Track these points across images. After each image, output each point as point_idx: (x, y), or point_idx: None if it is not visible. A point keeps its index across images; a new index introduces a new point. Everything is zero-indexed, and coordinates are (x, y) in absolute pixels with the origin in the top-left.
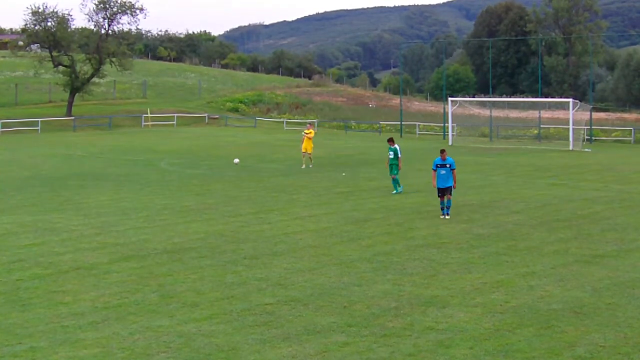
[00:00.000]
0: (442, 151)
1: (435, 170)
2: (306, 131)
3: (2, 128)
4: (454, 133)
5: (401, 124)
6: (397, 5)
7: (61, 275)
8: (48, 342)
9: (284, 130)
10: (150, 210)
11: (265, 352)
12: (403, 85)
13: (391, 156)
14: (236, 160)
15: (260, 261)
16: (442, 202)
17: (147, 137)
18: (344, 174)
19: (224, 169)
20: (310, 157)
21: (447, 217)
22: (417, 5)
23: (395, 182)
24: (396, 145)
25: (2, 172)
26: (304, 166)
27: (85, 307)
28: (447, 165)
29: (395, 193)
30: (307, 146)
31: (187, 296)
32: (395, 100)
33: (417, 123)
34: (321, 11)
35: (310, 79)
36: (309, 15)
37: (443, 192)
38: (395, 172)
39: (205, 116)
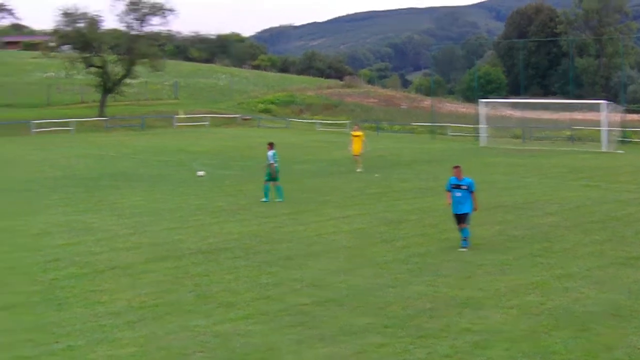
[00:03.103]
0: (456, 167)
1: (449, 192)
2: (354, 132)
3: (35, 128)
4: (486, 134)
5: (433, 125)
6: (427, 6)
7: (97, 275)
8: (85, 341)
9: (316, 131)
10: (183, 210)
11: (301, 352)
12: (434, 86)
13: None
14: (200, 173)
15: (295, 262)
16: (461, 231)
17: (179, 138)
18: (376, 175)
19: (257, 170)
20: (357, 159)
21: (463, 249)
22: (448, 6)
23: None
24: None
25: (36, 172)
26: (358, 169)
27: (121, 306)
28: (464, 187)
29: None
30: (356, 148)
31: (223, 296)
32: (427, 102)
33: (449, 124)
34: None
35: (341, 80)
36: (340, 17)
37: (460, 218)
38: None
39: (237, 117)
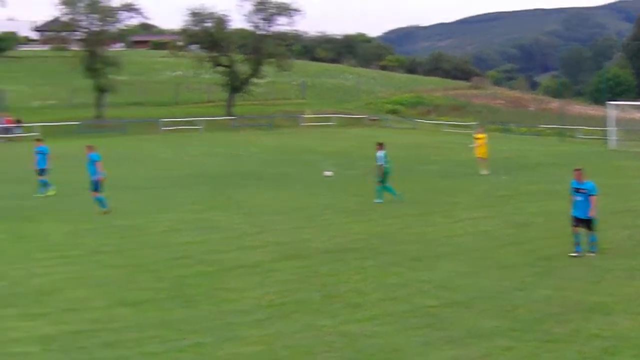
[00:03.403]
0: (577, 170)
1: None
2: (477, 135)
3: (164, 127)
4: (615, 137)
5: (561, 128)
6: (555, 7)
7: (225, 273)
8: (213, 338)
9: (443, 132)
10: (311, 210)
11: (428, 354)
12: (562, 88)
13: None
14: (327, 173)
15: (422, 263)
16: (575, 235)
17: (306, 138)
18: (504, 177)
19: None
20: (481, 162)
21: (591, 255)
22: (576, 7)
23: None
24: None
25: (164, 171)
26: (482, 172)
27: (249, 304)
28: (584, 191)
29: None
30: (480, 151)
31: (350, 296)
32: (554, 104)
33: (577, 127)
34: (479, 13)
35: (468, 81)
36: (467, 17)
37: (579, 222)
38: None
39: (364, 117)
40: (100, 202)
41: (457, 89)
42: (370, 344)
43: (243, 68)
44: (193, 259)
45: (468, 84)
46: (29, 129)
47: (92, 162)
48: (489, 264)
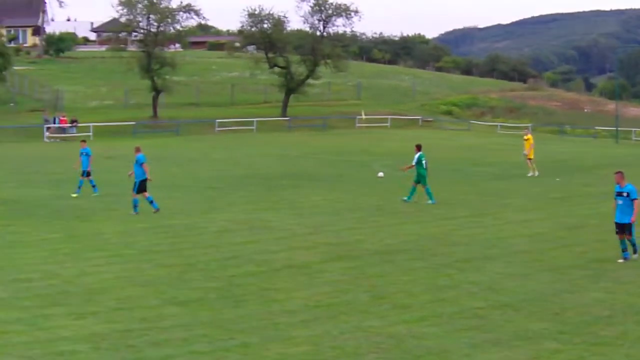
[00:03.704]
0: (617, 173)
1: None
2: (525, 137)
3: (219, 127)
4: None
5: (617, 130)
6: (613, 9)
7: (274, 273)
8: (260, 339)
9: (498, 134)
10: (363, 211)
11: (475, 356)
12: (619, 90)
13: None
14: (380, 174)
15: (472, 265)
16: (621, 242)
17: (360, 139)
18: (557, 179)
19: (437, 172)
20: (529, 164)
21: (634, 257)
22: (635, 9)
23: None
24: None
25: (218, 171)
26: (530, 173)
27: (297, 305)
28: (625, 194)
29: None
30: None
31: (399, 298)
32: (611, 106)
33: (634, 129)
34: (536, 14)
35: (524, 82)
36: (524, 19)
37: (621, 228)
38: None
39: (419, 119)
40: (135, 204)
41: (513, 91)
42: (417, 345)
43: (299, 69)
44: (244, 259)
45: (524, 85)
46: (85, 129)
47: (139, 163)
48: (539, 266)
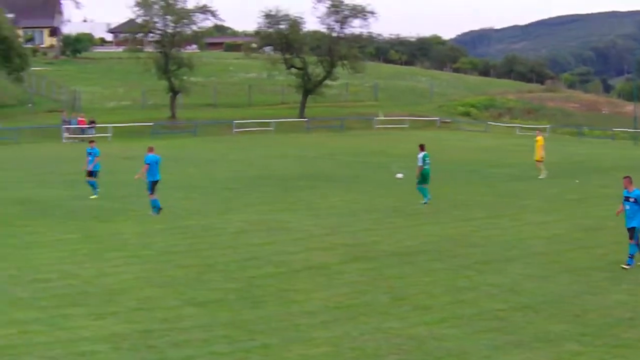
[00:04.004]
0: (625, 178)
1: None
2: (537, 138)
3: (236, 128)
4: None
5: (635, 132)
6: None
7: (293, 274)
8: (280, 340)
9: (516, 135)
10: (380, 212)
11: (496, 358)
12: (637, 92)
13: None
14: (399, 175)
15: (491, 266)
16: (630, 246)
17: (378, 140)
18: (576, 181)
19: (454, 173)
20: (538, 166)
21: (628, 267)
22: None
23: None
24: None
25: (236, 172)
26: (540, 176)
27: (316, 306)
28: (632, 200)
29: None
30: (537, 154)
31: (418, 299)
32: (629, 107)
33: None
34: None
35: (542, 84)
36: (541, 20)
37: (629, 233)
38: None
39: (436, 120)
40: (153, 205)
41: (531, 92)
42: (438, 346)
43: (316, 70)
44: (262, 260)
45: (542, 86)
46: (103, 130)
47: (155, 163)
48: (558, 268)
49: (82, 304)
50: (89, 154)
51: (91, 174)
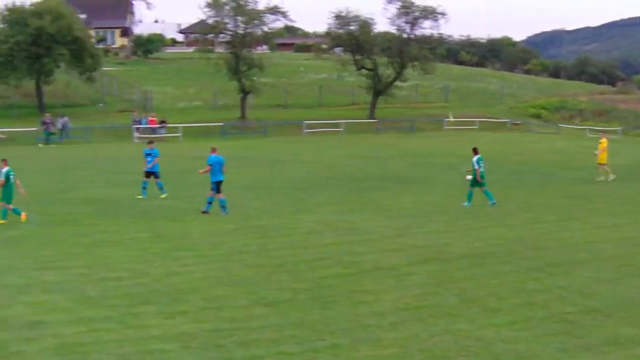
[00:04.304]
0: None
1: None
2: (601, 141)
3: (307, 129)
4: None
5: None
6: None
7: (363, 275)
8: (349, 340)
9: (587, 137)
10: (451, 213)
11: None
12: None
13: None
14: (468, 177)
15: (561, 269)
16: None
17: (448, 141)
18: None
19: (525, 175)
20: (601, 168)
21: None
22: None
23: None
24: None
25: (305, 172)
26: (599, 178)
27: (385, 307)
28: None
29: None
30: (601, 156)
31: (488, 301)
32: None
33: None
34: (625, 17)
35: (613, 86)
36: (613, 21)
37: None
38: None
39: (507, 122)
40: (222, 205)
41: (602, 94)
42: (506, 349)
43: (387, 71)
44: (332, 261)
45: (613, 88)
46: (174, 130)
47: (218, 163)
48: (630, 271)
49: (151, 302)
50: (148, 154)
51: (149, 174)
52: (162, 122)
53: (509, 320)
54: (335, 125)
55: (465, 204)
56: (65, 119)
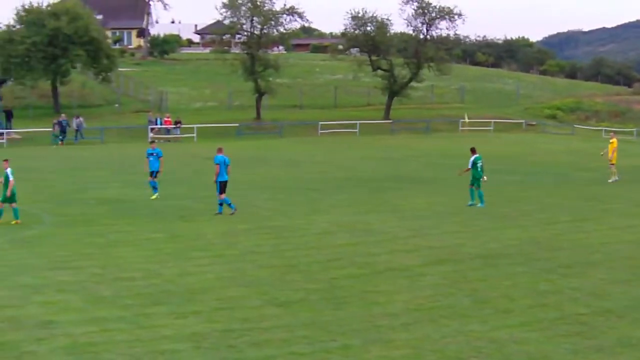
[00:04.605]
0: None
1: None
2: (611, 140)
3: (321, 130)
4: None
5: None
6: None
7: (375, 276)
8: (361, 341)
9: (602, 138)
10: (465, 214)
11: None
12: None
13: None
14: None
15: (574, 270)
16: None
17: (463, 142)
18: None
19: (540, 176)
20: (610, 168)
21: None
22: None
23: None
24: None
25: (320, 173)
26: (611, 179)
27: (398, 308)
28: None
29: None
30: (612, 157)
31: (500, 302)
32: None
33: None
34: None
35: (629, 87)
36: (630, 22)
37: None
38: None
39: (522, 122)
40: (227, 203)
41: (618, 95)
42: (519, 350)
43: (402, 72)
44: (345, 261)
45: (629, 89)
46: (189, 130)
47: (224, 164)
48: None
49: (164, 302)
50: (150, 154)
51: (153, 174)
52: (177, 122)
53: (521, 321)
54: (351, 126)
55: (479, 205)
56: (80, 119)
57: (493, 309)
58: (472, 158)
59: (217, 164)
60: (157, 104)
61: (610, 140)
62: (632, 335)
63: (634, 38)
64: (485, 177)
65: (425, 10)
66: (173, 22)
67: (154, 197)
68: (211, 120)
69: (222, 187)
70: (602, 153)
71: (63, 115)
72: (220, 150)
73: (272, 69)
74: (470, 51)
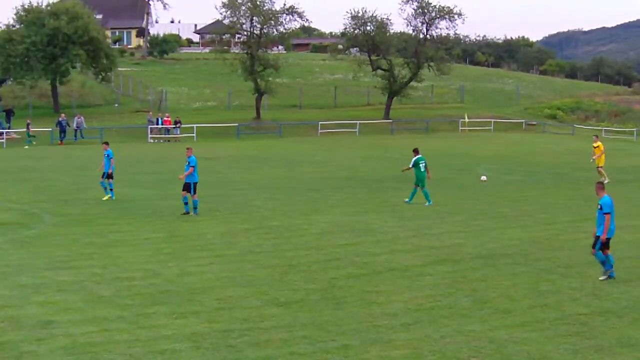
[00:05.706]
0: (596, 183)
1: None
2: (594, 144)
3: (321, 129)
4: None
5: None
6: None
7: (375, 276)
8: (360, 341)
9: (602, 138)
10: (465, 214)
11: None
12: None
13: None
14: (483, 178)
15: (574, 270)
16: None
17: (463, 142)
18: None
19: (541, 176)
20: (599, 171)
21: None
22: None
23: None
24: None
25: (320, 173)
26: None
27: (397, 308)
28: (599, 207)
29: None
30: (598, 159)
31: (500, 302)
32: None
33: None
34: None
35: (629, 87)
36: (630, 22)
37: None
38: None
39: (522, 122)
40: (195, 205)
41: (618, 95)
42: (518, 350)
43: (402, 72)
44: (344, 261)
45: (629, 89)
46: (188, 130)
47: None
48: None
49: (164, 302)
50: (105, 155)
51: (109, 175)
52: (177, 122)
53: (521, 321)
54: (350, 126)
55: (426, 203)
56: (81, 119)
57: (493, 309)
58: (415, 158)
59: (193, 166)
60: (156, 103)
61: (594, 145)
62: (631, 335)
63: (634, 38)
64: (484, 177)
65: (425, 10)
66: (173, 21)
67: (105, 197)
68: (211, 120)
69: (194, 187)
70: (591, 160)
71: (63, 115)
72: (190, 150)
73: (272, 69)
74: (470, 51)
